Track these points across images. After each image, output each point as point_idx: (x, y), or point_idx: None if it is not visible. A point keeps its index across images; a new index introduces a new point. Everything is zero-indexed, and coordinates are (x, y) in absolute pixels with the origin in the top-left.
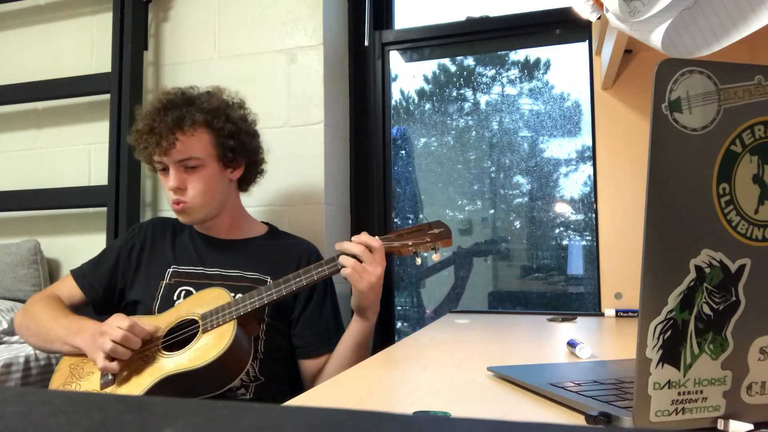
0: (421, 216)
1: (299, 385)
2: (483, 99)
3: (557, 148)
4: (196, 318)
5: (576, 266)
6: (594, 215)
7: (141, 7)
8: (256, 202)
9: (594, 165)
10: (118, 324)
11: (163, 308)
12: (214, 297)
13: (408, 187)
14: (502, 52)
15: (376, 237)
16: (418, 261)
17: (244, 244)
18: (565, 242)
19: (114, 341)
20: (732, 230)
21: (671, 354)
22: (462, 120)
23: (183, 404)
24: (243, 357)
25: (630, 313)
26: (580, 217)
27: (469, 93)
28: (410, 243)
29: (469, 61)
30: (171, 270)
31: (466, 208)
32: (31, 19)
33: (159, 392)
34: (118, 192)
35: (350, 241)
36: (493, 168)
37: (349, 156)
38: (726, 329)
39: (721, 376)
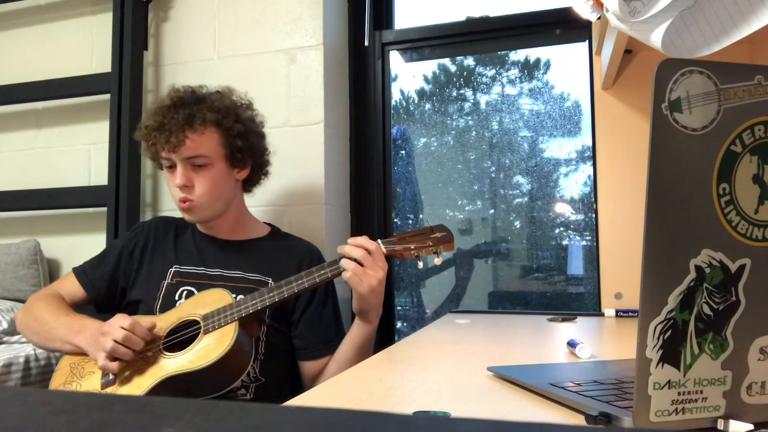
0: (421, 216)
1: (300, 386)
2: (483, 99)
3: (557, 148)
4: (197, 319)
5: (576, 266)
6: (594, 215)
7: (141, 7)
8: (256, 202)
9: (594, 165)
10: (120, 324)
11: (164, 308)
12: (216, 298)
13: (408, 187)
14: (502, 52)
15: (378, 240)
16: (420, 264)
17: (246, 245)
18: (565, 242)
19: (116, 341)
20: (732, 230)
21: (671, 354)
22: (462, 120)
23: (183, 404)
24: (244, 358)
25: (630, 313)
26: (580, 217)
27: (469, 93)
28: (412, 246)
29: (469, 61)
30: (173, 270)
31: (466, 208)
32: (32, 19)
33: (160, 393)
34: (118, 192)
35: (348, 243)
36: (493, 168)
37: (349, 156)
38: (726, 329)
39: (721, 376)
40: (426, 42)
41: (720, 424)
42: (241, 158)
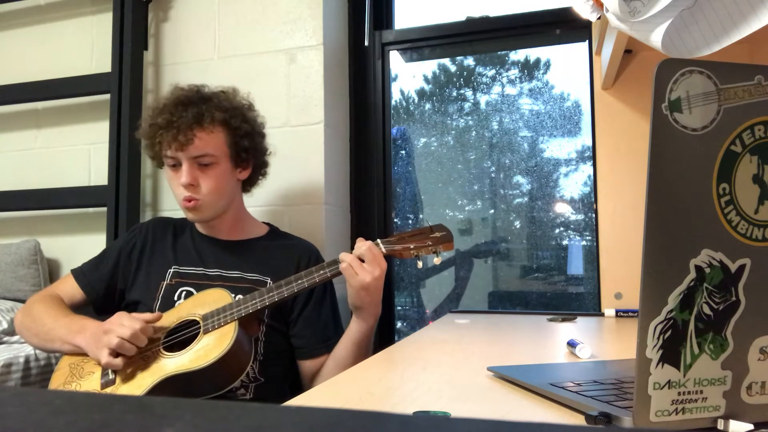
0: (421, 216)
1: (299, 386)
2: (483, 99)
3: (557, 148)
4: (197, 319)
5: (576, 266)
6: (594, 215)
7: (141, 7)
8: (256, 202)
9: (594, 165)
10: (122, 321)
11: (163, 309)
12: (216, 298)
13: (408, 187)
14: (502, 52)
15: (377, 240)
16: (420, 264)
17: (245, 245)
18: (565, 242)
19: (121, 337)
20: (732, 230)
21: (671, 354)
22: (462, 120)
23: (183, 404)
24: (244, 358)
25: (630, 313)
26: (580, 217)
27: (469, 93)
28: (412, 246)
29: (469, 61)
30: (172, 270)
31: (466, 208)
32: (32, 19)
33: (160, 392)
34: (118, 192)
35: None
36: (493, 168)
37: (349, 156)
38: (726, 329)
39: (721, 376)
40: (426, 42)
41: (720, 424)
42: (245, 158)
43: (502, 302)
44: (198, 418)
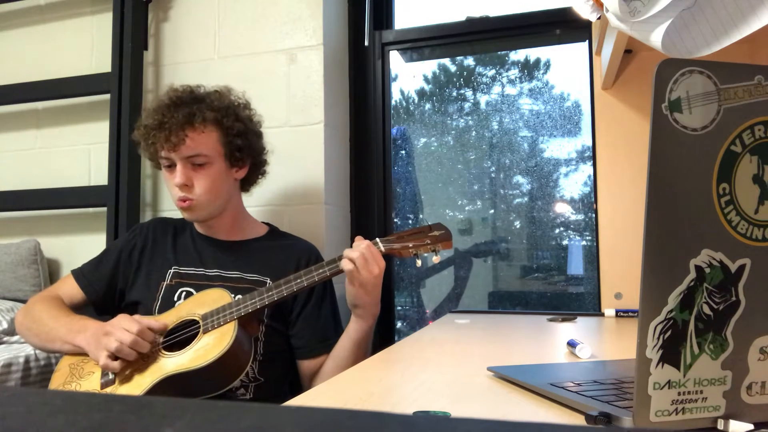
0: (421, 216)
1: (299, 386)
2: (483, 99)
3: (557, 148)
4: (196, 318)
5: (576, 266)
6: (594, 215)
7: (141, 7)
8: (256, 202)
9: (594, 165)
10: (125, 326)
11: (163, 309)
12: (215, 298)
13: (408, 187)
14: (502, 52)
15: (376, 239)
16: (419, 263)
17: (244, 246)
18: (565, 242)
19: (120, 342)
20: (732, 230)
21: (671, 354)
22: (462, 120)
23: (183, 404)
24: (243, 357)
25: (630, 313)
26: (580, 217)
27: (469, 93)
28: (411, 245)
29: (469, 61)
30: (172, 271)
31: (466, 208)
32: (31, 19)
33: (159, 392)
34: (118, 192)
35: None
36: (493, 168)
37: (349, 156)
38: (726, 329)
39: (721, 376)
40: (426, 42)
41: (720, 424)
42: (240, 157)
43: (502, 302)
44: (198, 418)
